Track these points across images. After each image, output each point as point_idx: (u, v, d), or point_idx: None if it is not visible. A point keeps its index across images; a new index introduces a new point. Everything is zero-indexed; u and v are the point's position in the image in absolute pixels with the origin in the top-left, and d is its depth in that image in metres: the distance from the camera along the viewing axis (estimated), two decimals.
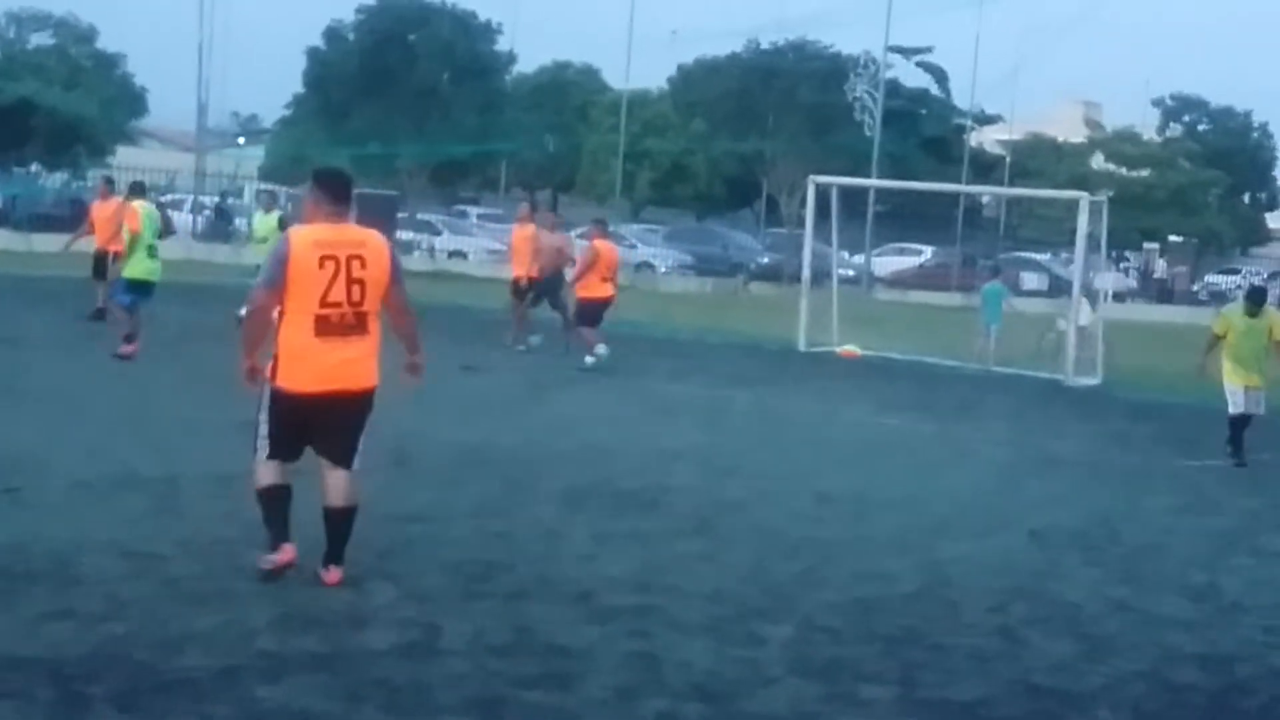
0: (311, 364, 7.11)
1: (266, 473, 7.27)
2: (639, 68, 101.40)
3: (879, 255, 52.63)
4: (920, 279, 50.04)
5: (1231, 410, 14.61)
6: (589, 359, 18.73)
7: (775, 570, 8.52)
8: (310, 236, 7.15)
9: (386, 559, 8.02)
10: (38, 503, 8.82)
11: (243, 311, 7.60)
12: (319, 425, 7.25)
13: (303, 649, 6.33)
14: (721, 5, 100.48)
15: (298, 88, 55.20)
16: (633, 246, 51.25)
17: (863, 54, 56.62)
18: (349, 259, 7.10)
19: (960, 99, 69.82)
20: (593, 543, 8.89)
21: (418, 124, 48.89)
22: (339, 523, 7.35)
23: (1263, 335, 14.65)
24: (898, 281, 49.98)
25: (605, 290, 19.38)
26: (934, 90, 70.45)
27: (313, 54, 50.97)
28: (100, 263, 19.94)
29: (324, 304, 7.05)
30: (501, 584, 7.69)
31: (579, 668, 6.40)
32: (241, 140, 76.28)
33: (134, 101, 55.85)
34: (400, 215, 47.21)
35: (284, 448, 7.27)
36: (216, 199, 47.24)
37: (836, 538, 9.61)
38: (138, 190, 18.50)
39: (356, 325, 7.17)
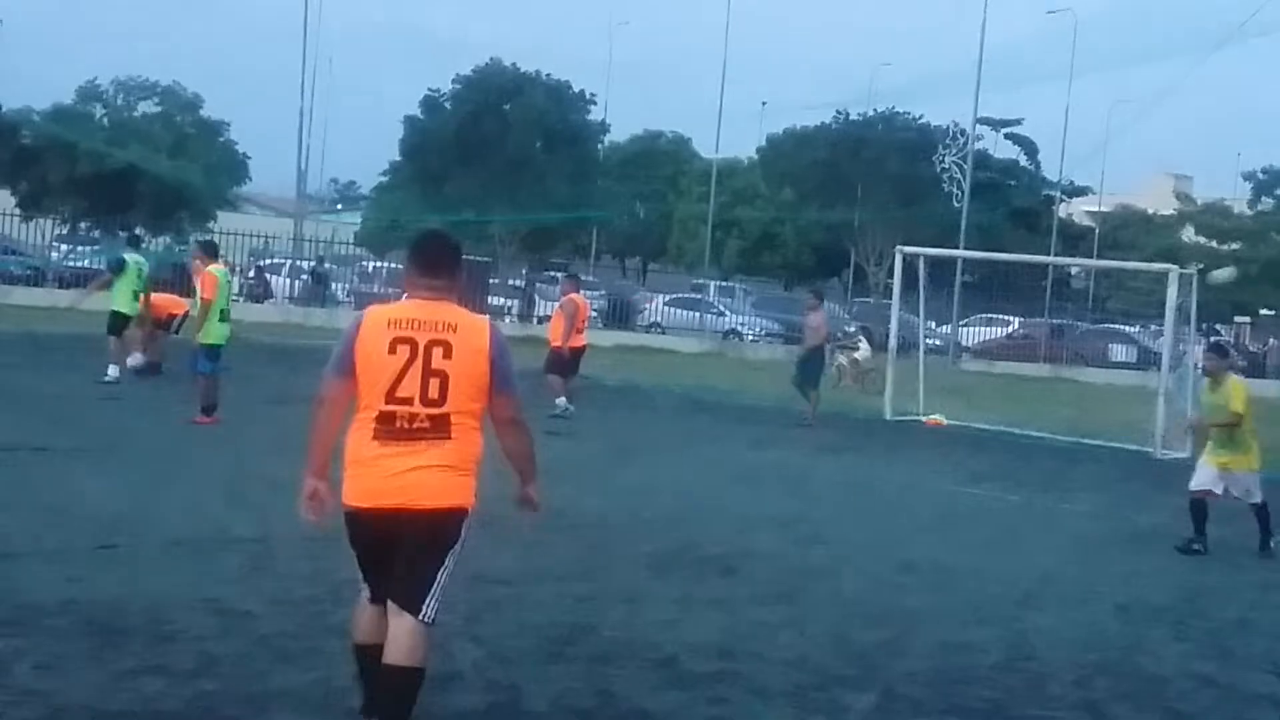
0: (369, 474, 5.68)
1: (360, 622, 5.98)
2: (729, 137, 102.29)
3: (966, 325, 52.38)
4: (1007, 349, 49.72)
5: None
6: (563, 406, 19.48)
7: (857, 638, 8.53)
8: (385, 314, 5.73)
9: (471, 621, 8.13)
10: (134, 559, 9.04)
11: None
12: (385, 555, 5.75)
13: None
14: (811, 77, 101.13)
15: (395, 155, 56.02)
16: (721, 314, 51.46)
17: (951, 125, 56.58)
18: (430, 345, 5.63)
19: (1049, 170, 69.69)
20: (675, 608, 8.95)
21: (511, 191, 49.37)
22: (397, 686, 5.73)
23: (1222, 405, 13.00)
24: (984, 351, 49.70)
25: (580, 340, 20.59)
26: (1023, 161, 70.29)
27: (410, 122, 51.70)
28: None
29: (390, 399, 5.64)
30: (584, 647, 7.77)
31: None
32: (339, 207, 77.50)
33: (236, 168, 56.90)
34: (492, 281, 47.74)
35: (371, 582, 5.91)
36: (313, 263, 47.97)
37: (920, 607, 9.60)
38: (211, 252, 17.98)
39: (431, 429, 5.67)
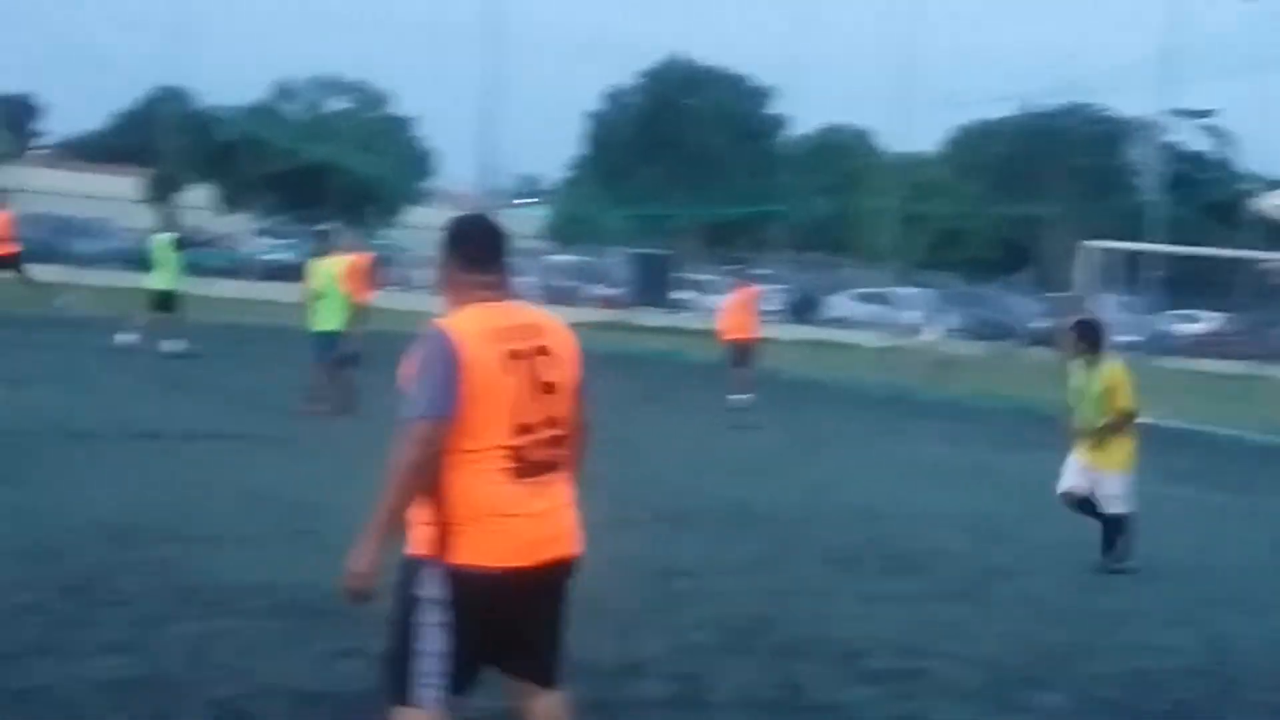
0: (519, 525, 4.53)
1: None
2: (914, 130, 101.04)
3: (1162, 322, 51.13)
4: (1204, 346, 48.40)
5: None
6: (742, 399, 19.35)
7: (1047, 638, 8.39)
8: (478, 325, 4.52)
9: (657, 612, 8.19)
10: (327, 545, 9.25)
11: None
12: (513, 625, 4.66)
13: (577, 695, 6.50)
14: (999, 68, 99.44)
15: (579, 150, 56.71)
16: (905, 309, 50.94)
17: (1143, 117, 55.28)
18: (534, 354, 4.61)
19: (1245, 163, 67.56)
20: (861, 603, 8.90)
21: (693, 185, 49.64)
22: None
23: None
24: (1180, 348, 48.45)
25: (752, 333, 20.46)
26: (1218, 154, 68.32)
27: (594, 117, 52.31)
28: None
29: (517, 429, 4.53)
30: (770, 640, 7.77)
31: None
32: (526, 200, 78.44)
33: (423, 163, 58.04)
34: (674, 275, 47.95)
35: (463, 673, 4.56)
36: None
37: (1113, 607, 9.41)
38: (338, 242, 17.40)
39: (555, 458, 4.69)
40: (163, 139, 56.80)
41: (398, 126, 56.14)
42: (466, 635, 4.48)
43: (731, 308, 20.73)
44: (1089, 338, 10.99)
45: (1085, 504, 10.93)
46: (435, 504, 4.44)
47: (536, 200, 70.76)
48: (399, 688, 4.52)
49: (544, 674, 4.79)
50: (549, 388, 4.61)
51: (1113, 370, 10.91)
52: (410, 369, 4.43)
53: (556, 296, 47.65)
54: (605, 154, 52.61)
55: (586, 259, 56.73)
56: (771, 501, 12.50)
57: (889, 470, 15.61)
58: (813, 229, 67.36)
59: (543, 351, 4.61)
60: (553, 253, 58.75)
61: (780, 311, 48.30)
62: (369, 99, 55.76)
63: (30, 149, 71.20)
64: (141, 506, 9.91)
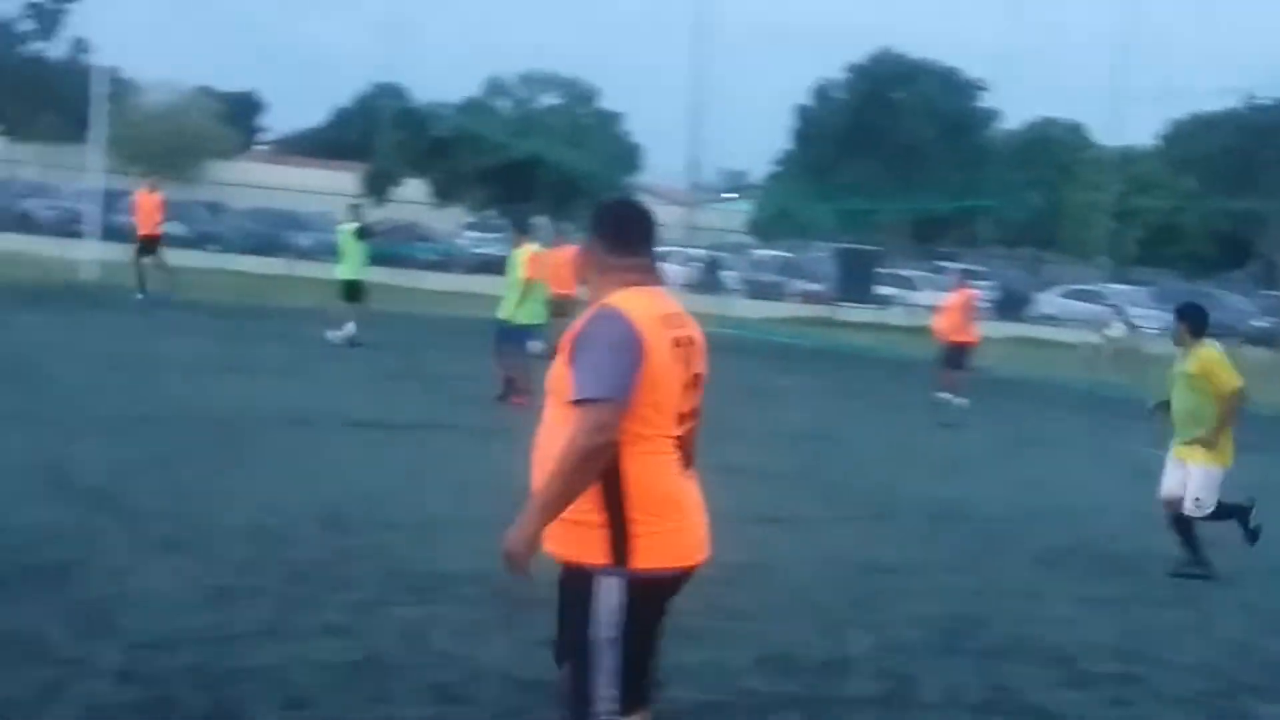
0: (688, 522, 4.33)
1: None
2: (1127, 123, 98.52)
3: None
4: None
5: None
6: (953, 400, 19.06)
7: (1268, 647, 8.18)
8: (648, 311, 4.27)
9: (863, 609, 8.19)
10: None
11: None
12: (655, 634, 4.43)
13: (785, 691, 6.56)
14: (1217, 61, 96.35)
15: (785, 144, 56.62)
16: (1117, 307, 49.78)
17: None
18: (688, 342, 4.38)
19: None
20: (1070, 605, 8.77)
21: (901, 180, 49.21)
22: None
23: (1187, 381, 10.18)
24: None
25: (971, 335, 20.20)
26: None
27: (801, 111, 52.13)
28: None
29: (679, 418, 4.32)
30: (978, 640, 7.71)
31: None
32: (731, 195, 78.54)
33: (630, 158, 58.52)
34: (880, 270, 47.56)
35: (634, 683, 4.31)
36: (705, 252, 48.95)
37: None
38: (525, 229, 17.62)
39: (695, 450, 4.50)
40: (378, 135, 58.29)
41: (606, 121, 56.71)
42: (636, 644, 4.24)
43: (951, 308, 20.46)
44: (1191, 320, 10.25)
45: (1187, 521, 10.04)
46: (609, 499, 4.16)
47: (741, 195, 70.82)
48: (580, 709, 4.26)
49: (649, 688, 4.44)
50: (696, 379, 4.41)
51: (1213, 354, 10.06)
52: (577, 350, 4.17)
53: (760, 291, 47.71)
54: (812, 148, 52.39)
55: (790, 254, 56.65)
56: (977, 500, 12.38)
57: (1096, 470, 15.35)
58: (1022, 224, 66.17)
59: (691, 341, 4.40)
60: (757, 248, 58.77)
61: (988, 308, 47.54)
62: (579, 94, 56.41)
63: (252, 145, 73.58)
64: (359, 493, 10.22)
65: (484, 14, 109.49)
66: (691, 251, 49.66)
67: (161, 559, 7.85)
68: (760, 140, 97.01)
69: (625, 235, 4.46)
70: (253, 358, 18.31)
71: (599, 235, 4.46)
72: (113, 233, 32.66)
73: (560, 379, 4.22)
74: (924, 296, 47.80)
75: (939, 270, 51.63)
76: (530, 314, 16.67)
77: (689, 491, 4.36)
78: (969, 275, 21.65)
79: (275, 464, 11.11)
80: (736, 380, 22.14)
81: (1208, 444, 9.93)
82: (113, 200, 34.35)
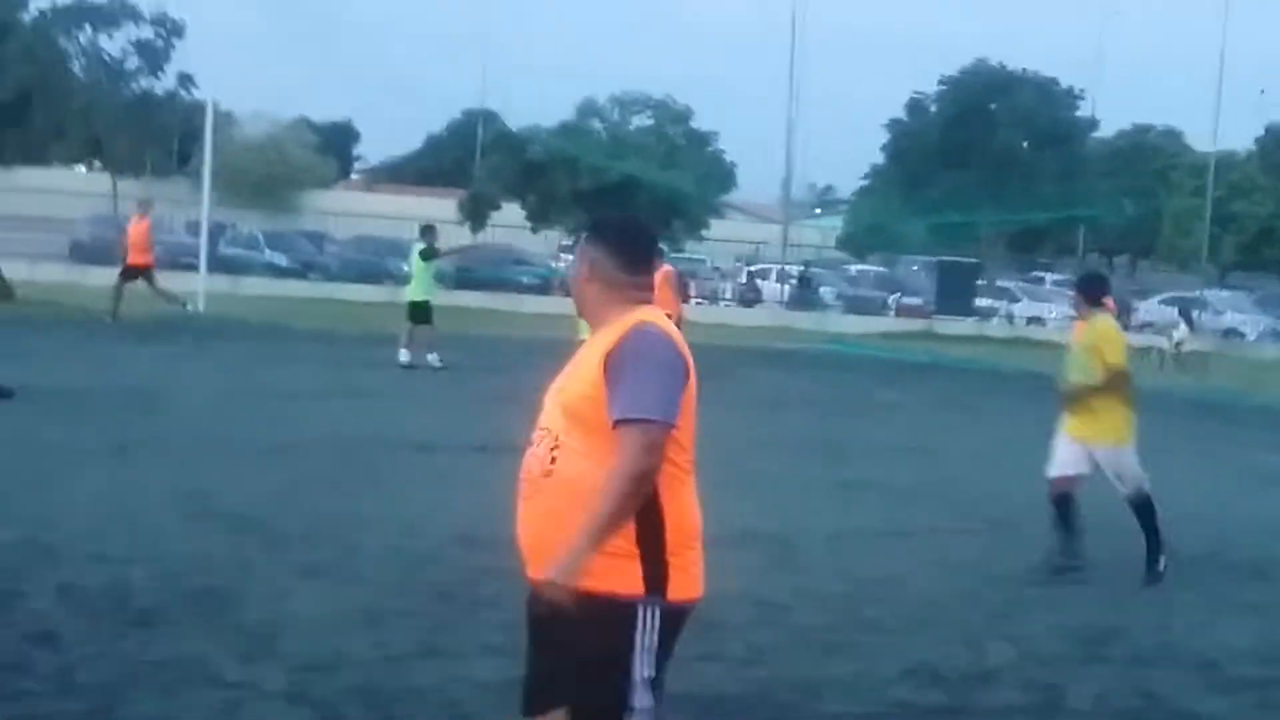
0: (699, 551, 4.17)
1: None
2: (1224, 129, 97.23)
3: None
4: None
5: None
6: None
7: None
8: (675, 331, 4.20)
9: (1000, 619, 8.23)
10: None
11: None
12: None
13: (935, 702, 6.63)
14: None
15: (876, 159, 56.53)
16: (1220, 313, 49.22)
17: None
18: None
19: None
20: (1209, 611, 8.77)
21: (996, 191, 48.93)
22: None
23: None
24: None
25: None
26: None
27: (894, 125, 52.04)
28: None
29: (691, 443, 4.18)
30: (1120, 648, 7.73)
31: None
32: (818, 211, 78.51)
33: (724, 176, 58.61)
34: (979, 283, 47.31)
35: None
36: (800, 268, 48.97)
37: None
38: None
39: None
40: (474, 160, 58.85)
41: (699, 140, 56.87)
42: (662, 672, 4.03)
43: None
44: (1088, 291, 9.76)
45: (1068, 503, 9.56)
46: (645, 527, 3.96)
47: (832, 211, 70.79)
48: None
49: None
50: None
51: (1104, 325, 9.58)
52: (623, 368, 3.96)
53: (857, 306, 47.61)
54: (906, 161, 52.26)
55: (885, 269, 56.49)
56: (1103, 508, 12.31)
57: (1221, 476, 15.25)
58: (1120, 232, 65.55)
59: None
60: (850, 263, 58.68)
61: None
62: (671, 114, 56.61)
63: (350, 173, 74.64)
64: (491, 515, 10.32)
65: (575, 39, 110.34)
66: (786, 268, 49.71)
67: (310, 583, 8.05)
68: (852, 155, 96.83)
69: (636, 252, 4.31)
70: (366, 383, 18.60)
71: (609, 252, 4.26)
72: (219, 265, 33.34)
73: (588, 400, 4.01)
74: (1024, 308, 47.55)
75: (1038, 281, 51.31)
76: None
77: (698, 521, 4.17)
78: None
79: (408, 488, 11.31)
80: (841, 395, 22.22)
81: (1079, 397, 9.40)
82: (218, 233, 35.05)
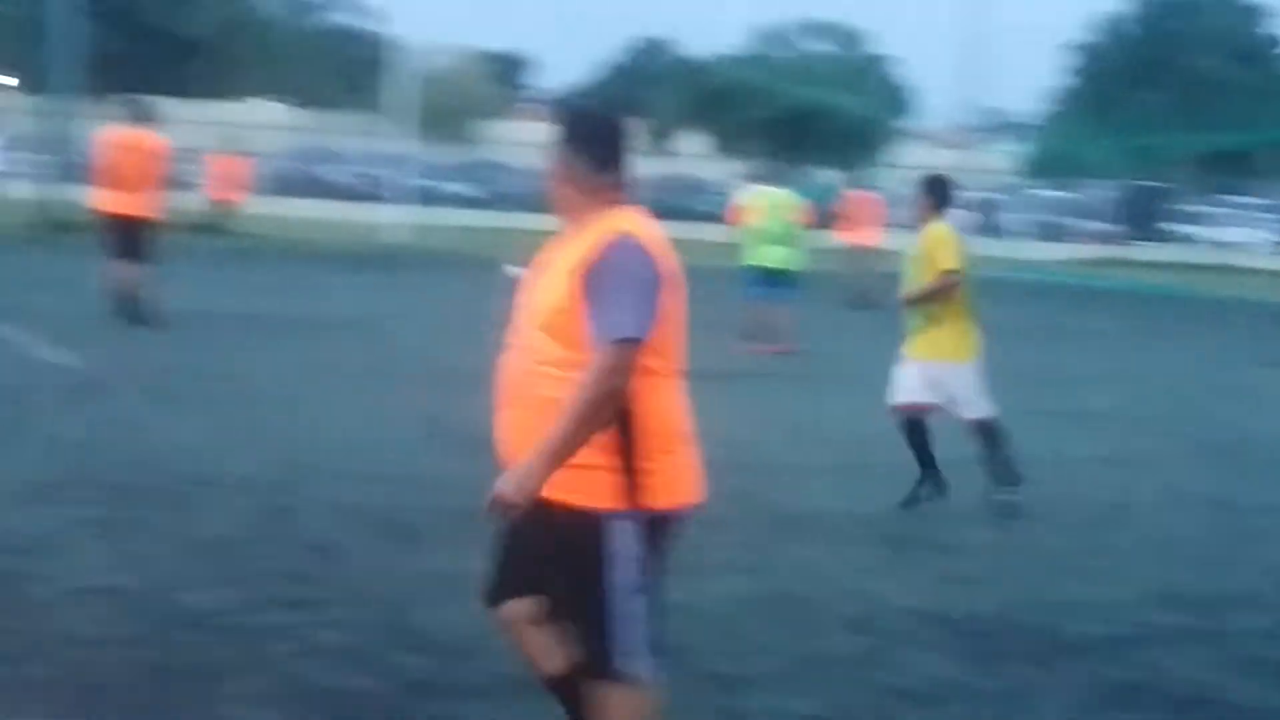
0: (691, 457, 4.10)
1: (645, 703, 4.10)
2: None
3: None
4: None
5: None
6: None
7: None
8: (655, 234, 4.02)
9: (1235, 545, 8.27)
10: (895, 478, 9.65)
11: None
12: None
13: (1182, 624, 6.65)
14: None
15: (1062, 81, 55.30)
16: None
17: None
18: (677, 271, 4.06)
19: None
20: None
21: (1189, 114, 47.62)
22: None
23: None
24: None
25: None
26: None
27: (1082, 47, 50.87)
28: None
29: (679, 348, 4.09)
30: None
31: None
32: (1004, 135, 77.14)
33: (903, 102, 57.94)
34: (1169, 207, 46.26)
35: (659, 635, 4.07)
36: (981, 194, 48.33)
37: None
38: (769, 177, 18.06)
39: None
40: (652, 89, 58.80)
41: (878, 66, 56.25)
42: (658, 591, 4.01)
43: None
44: (933, 194, 8.77)
45: (919, 429, 8.67)
46: (618, 439, 3.87)
47: (1017, 135, 69.50)
48: (605, 664, 3.98)
49: (662, 639, 4.13)
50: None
51: (939, 229, 8.62)
52: (601, 284, 3.83)
53: (1045, 233, 46.91)
54: (1093, 84, 51.03)
55: (1072, 194, 55.32)
56: None
57: None
58: None
59: (677, 270, 4.05)
60: (1033, 188, 57.62)
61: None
62: (849, 40, 56.06)
63: (520, 103, 75.00)
64: (714, 440, 10.53)
65: None
66: (968, 194, 49.05)
67: None
68: (1034, 79, 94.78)
69: (612, 150, 4.08)
70: None
71: (583, 150, 4.05)
72: (410, 196, 33.94)
73: (563, 313, 3.89)
74: (1217, 233, 46.40)
75: (1234, 206, 49.86)
76: (755, 257, 16.71)
77: (687, 427, 4.08)
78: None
79: None
80: (1036, 324, 21.98)
81: (912, 308, 8.63)
82: (403, 164, 35.69)
